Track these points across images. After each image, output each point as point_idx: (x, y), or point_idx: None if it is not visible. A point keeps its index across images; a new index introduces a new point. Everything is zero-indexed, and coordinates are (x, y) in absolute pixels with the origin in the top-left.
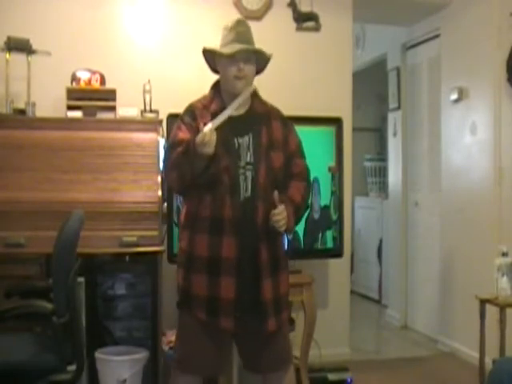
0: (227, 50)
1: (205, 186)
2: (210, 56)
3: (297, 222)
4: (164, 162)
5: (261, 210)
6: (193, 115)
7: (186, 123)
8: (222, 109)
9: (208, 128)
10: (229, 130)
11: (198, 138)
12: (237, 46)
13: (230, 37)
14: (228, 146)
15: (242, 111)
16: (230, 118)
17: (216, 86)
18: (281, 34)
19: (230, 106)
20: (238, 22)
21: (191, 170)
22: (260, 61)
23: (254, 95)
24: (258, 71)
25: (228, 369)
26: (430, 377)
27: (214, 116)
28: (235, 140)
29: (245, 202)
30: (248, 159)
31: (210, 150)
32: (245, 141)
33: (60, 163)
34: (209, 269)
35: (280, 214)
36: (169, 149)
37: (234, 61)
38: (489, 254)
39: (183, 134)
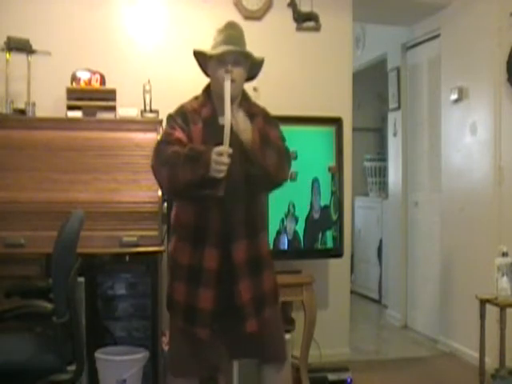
0: (215, 51)
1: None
2: (201, 59)
3: (261, 152)
4: (155, 155)
5: (242, 211)
6: (185, 119)
7: (180, 124)
8: (213, 114)
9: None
10: (219, 140)
11: (221, 152)
12: (225, 48)
13: (220, 39)
14: None
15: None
16: (221, 127)
17: (207, 90)
18: (281, 34)
19: (225, 124)
20: (229, 25)
21: (188, 178)
22: (253, 66)
23: (244, 99)
24: (252, 77)
25: (227, 369)
26: (430, 377)
27: (205, 121)
28: None
29: (226, 212)
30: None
31: (224, 173)
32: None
33: (60, 163)
34: (188, 277)
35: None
36: (163, 144)
37: (223, 63)
38: (489, 254)
39: (179, 134)
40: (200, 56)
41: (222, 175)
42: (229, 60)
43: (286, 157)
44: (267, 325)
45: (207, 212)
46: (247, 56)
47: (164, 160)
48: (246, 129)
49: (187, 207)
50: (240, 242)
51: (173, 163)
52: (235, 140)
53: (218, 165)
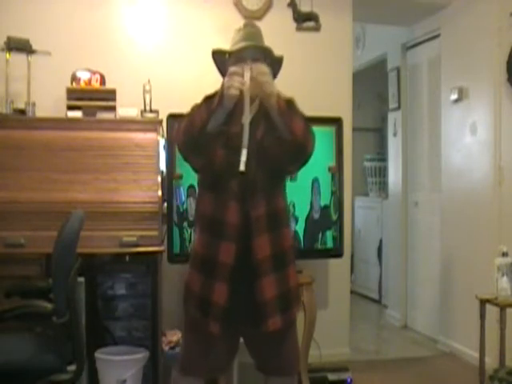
0: (233, 48)
1: (212, 185)
2: (219, 60)
3: (288, 114)
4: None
5: (263, 206)
6: None
7: None
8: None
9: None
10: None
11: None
12: (243, 44)
13: (238, 37)
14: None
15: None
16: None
17: None
18: (281, 34)
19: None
20: (247, 24)
21: (204, 117)
22: (272, 65)
23: None
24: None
25: (228, 369)
26: (430, 377)
27: None
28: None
29: (246, 205)
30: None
31: (235, 92)
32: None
33: (60, 163)
34: (204, 269)
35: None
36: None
37: (242, 59)
38: (489, 254)
39: None
40: (218, 57)
41: (235, 92)
42: (247, 56)
43: (310, 128)
44: (292, 326)
45: (225, 203)
46: (266, 52)
47: (185, 116)
48: (271, 90)
49: (206, 197)
50: (262, 237)
51: (191, 112)
52: (259, 122)
53: (232, 81)
